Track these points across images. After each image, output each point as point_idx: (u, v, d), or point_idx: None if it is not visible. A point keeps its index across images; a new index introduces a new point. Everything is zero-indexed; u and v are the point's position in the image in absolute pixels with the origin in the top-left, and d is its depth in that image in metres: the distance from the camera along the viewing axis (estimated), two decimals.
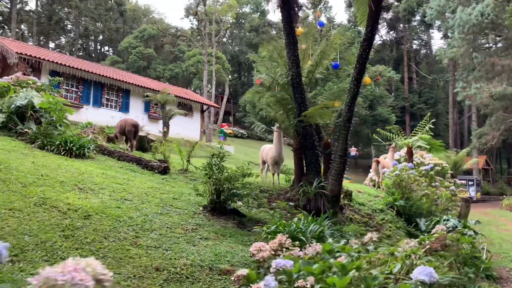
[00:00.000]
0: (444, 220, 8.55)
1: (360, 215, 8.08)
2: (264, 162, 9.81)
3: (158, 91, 19.20)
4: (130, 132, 10.82)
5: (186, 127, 23.57)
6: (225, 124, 27.53)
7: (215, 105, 28.38)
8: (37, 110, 10.50)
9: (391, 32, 52.82)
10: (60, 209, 5.25)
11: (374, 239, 3.40)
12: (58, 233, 4.54)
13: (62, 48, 54.76)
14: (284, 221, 5.28)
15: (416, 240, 3.73)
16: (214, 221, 6.34)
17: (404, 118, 44.91)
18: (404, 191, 9.38)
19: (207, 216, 6.51)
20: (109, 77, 19.48)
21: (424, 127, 11.67)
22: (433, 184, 10.09)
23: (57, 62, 17.44)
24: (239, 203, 7.59)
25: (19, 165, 6.81)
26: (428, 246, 4.22)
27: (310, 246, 3.02)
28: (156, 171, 9.28)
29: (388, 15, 50.97)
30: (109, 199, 6.27)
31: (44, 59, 17.10)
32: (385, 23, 51.73)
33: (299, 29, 20.72)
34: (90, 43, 64.00)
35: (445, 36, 38.74)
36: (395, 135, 11.87)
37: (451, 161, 16.76)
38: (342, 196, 8.50)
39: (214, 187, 6.81)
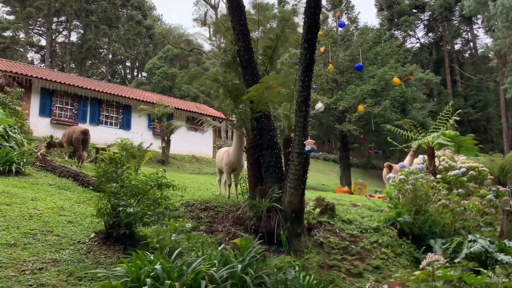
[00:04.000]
0: (469, 241, 5.98)
1: (340, 237, 5.73)
2: (221, 171, 7.69)
3: (162, 105, 17.46)
4: (77, 140, 9.12)
5: (196, 143, 21.89)
6: None
7: (230, 119, 26.50)
8: None
9: (429, 34, 48.80)
10: None
11: None
12: None
13: (96, 76, 55.88)
14: (139, 254, 3.18)
15: None
16: (92, 254, 4.34)
17: None
18: (415, 203, 6.88)
19: (90, 247, 4.53)
20: (106, 93, 18.25)
21: (446, 120, 8.94)
22: (454, 191, 7.47)
23: (47, 79, 16.49)
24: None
25: None
26: None
27: None
28: (91, 187, 7.50)
29: (424, 16, 47.22)
30: None
31: (32, 76, 16.18)
32: (421, 24, 47.95)
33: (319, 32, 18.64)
34: (127, 69, 65.11)
35: (488, 31, 34.79)
36: (408, 132, 9.23)
37: (496, 165, 13.57)
38: (319, 211, 6.22)
39: (111, 203, 4.84)
